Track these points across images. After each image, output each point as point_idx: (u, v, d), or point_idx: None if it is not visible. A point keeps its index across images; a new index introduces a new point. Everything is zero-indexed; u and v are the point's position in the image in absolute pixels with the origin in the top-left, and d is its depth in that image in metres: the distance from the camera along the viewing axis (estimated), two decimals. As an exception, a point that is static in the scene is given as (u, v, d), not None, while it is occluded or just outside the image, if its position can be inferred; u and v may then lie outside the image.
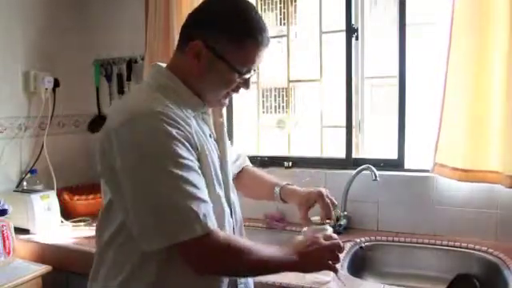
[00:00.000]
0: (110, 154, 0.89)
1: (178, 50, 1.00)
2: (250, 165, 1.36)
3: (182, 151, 0.87)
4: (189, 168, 0.87)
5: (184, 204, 0.84)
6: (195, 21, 0.97)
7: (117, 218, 0.93)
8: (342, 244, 1.01)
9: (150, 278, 0.92)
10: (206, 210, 0.87)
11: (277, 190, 1.23)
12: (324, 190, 1.18)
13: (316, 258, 0.98)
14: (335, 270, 1.01)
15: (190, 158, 0.88)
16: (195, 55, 0.94)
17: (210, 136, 1.04)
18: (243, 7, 0.96)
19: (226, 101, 1.05)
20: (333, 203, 1.17)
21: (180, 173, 0.85)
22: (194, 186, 0.86)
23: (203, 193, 0.89)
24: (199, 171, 0.91)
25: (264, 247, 0.95)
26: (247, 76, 0.99)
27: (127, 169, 0.86)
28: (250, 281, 1.13)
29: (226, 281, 1.01)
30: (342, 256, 1.02)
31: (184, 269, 0.89)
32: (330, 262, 0.99)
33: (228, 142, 1.15)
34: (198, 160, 0.93)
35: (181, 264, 0.89)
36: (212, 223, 0.87)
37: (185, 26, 0.99)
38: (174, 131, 0.87)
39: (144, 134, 0.86)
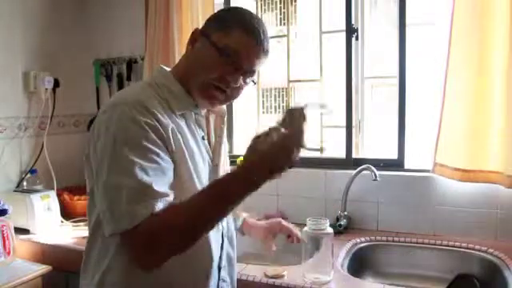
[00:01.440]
0: (91, 141, 0.92)
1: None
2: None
3: (148, 142, 0.87)
4: (150, 160, 0.86)
5: (132, 192, 0.83)
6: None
7: (96, 210, 0.94)
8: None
9: (122, 269, 0.93)
10: (157, 206, 0.83)
11: (238, 222, 1.27)
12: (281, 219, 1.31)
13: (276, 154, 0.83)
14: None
15: (156, 151, 0.87)
16: (191, 41, 0.99)
17: (203, 138, 1.03)
18: (244, 9, 1.02)
19: (215, 100, 0.99)
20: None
21: (140, 161, 0.84)
22: (151, 177, 0.84)
23: (159, 184, 0.85)
24: (165, 165, 0.88)
25: (199, 196, 0.85)
26: (234, 67, 0.94)
27: (97, 153, 0.89)
28: (234, 276, 1.13)
29: (212, 273, 1.00)
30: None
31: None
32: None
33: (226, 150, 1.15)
34: (173, 159, 0.91)
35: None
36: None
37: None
38: (142, 120, 0.87)
39: (115, 120, 0.88)
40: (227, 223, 1.09)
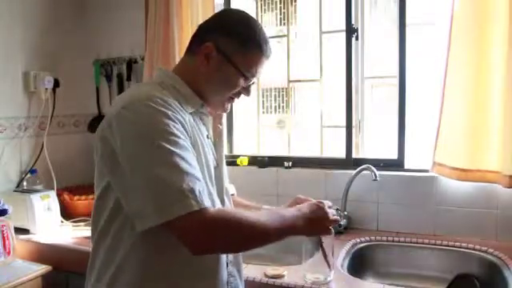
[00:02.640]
0: (110, 138, 0.91)
1: (186, 55, 1.07)
2: (235, 194, 1.36)
3: (178, 131, 0.90)
4: (183, 147, 0.89)
5: (179, 180, 0.85)
6: (208, 27, 1.06)
7: (109, 204, 0.94)
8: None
9: (139, 262, 0.93)
10: (201, 187, 0.87)
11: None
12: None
13: (322, 223, 1.08)
14: (330, 233, 1.14)
15: (184, 139, 0.91)
16: (205, 56, 1.01)
17: (208, 137, 1.06)
18: (251, 19, 1.05)
19: (229, 106, 1.10)
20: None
21: (176, 150, 0.87)
22: (189, 163, 0.88)
23: (197, 171, 0.90)
24: (191, 151, 0.92)
25: (264, 214, 0.97)
26: (249, 82, 1.06)
27: (126, 147, 0.89)
28: (242, 271, 1.14)
29: (218, 267, 1.02)
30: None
31: (175, 254, 0.91)
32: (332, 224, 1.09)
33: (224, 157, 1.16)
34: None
35: (171, 249, 0.91)
36: (207, 200, 0.87)
37: (197, 33, 1.06)
38: (169, 112, 0.91)
39: (142, 114, 0.90)
40: None
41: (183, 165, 0.86)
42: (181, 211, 0.83)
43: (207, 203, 0.87)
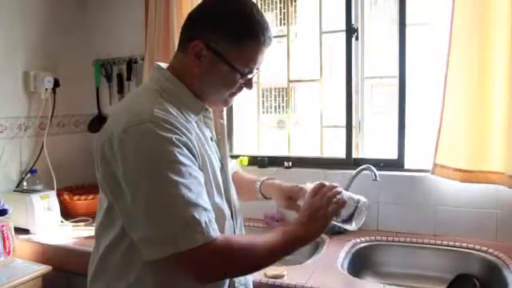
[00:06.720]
0: (112, 161, 0.87)
1: (179, 50, 0.99)
2: (239, 170, 1.35)
3: (183, 158, 0.85)
4: (190, 175, 0.85)
5: (185, 212, 0.82)
6: (196, 20, 0.96)
7: (119, 222, 0.91)
8: (327, 183, 1.01)
9: (154, 282, 0.91)
10: (208, 218, 0.85)
11: (258, 184, 1.21)
12: (311, 186, 1.09)
13: (318, 217, 0.97)
14: (343, 204, 0.99)
15: (191, 165, 0.87)
16: (196, 55, 0.93)
17: (211, 139, 1.03)
18: (244, 6, 0.94)
19: (231, 100, 1.03)
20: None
21: (181, 180, 0.83)
22: (195, 193, 0.85)
23: (204, 200, 0.87)
24: (200, 178, 0.89)
25: (267, 238, 0.93)
26: (250, 76, 0.98)
27: (129, 176, 0.85)
28: (250, 281, 1.13)
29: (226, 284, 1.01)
30: (340, 189, 1.02)
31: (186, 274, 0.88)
32: (333, 207, 0.98)
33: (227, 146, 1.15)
34: (199, 167, 0.91)
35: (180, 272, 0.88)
36: (214, 230, 0.85)
37: (185, 25, 0.98)
38: (174, 137, 0.85)
39: (146, 141, 0.85)
40: (234, 220, 1.08)
41: (189, 195, 0.83)
42: (187, 245, 0.81)
43: (214, 233, 0.85)
